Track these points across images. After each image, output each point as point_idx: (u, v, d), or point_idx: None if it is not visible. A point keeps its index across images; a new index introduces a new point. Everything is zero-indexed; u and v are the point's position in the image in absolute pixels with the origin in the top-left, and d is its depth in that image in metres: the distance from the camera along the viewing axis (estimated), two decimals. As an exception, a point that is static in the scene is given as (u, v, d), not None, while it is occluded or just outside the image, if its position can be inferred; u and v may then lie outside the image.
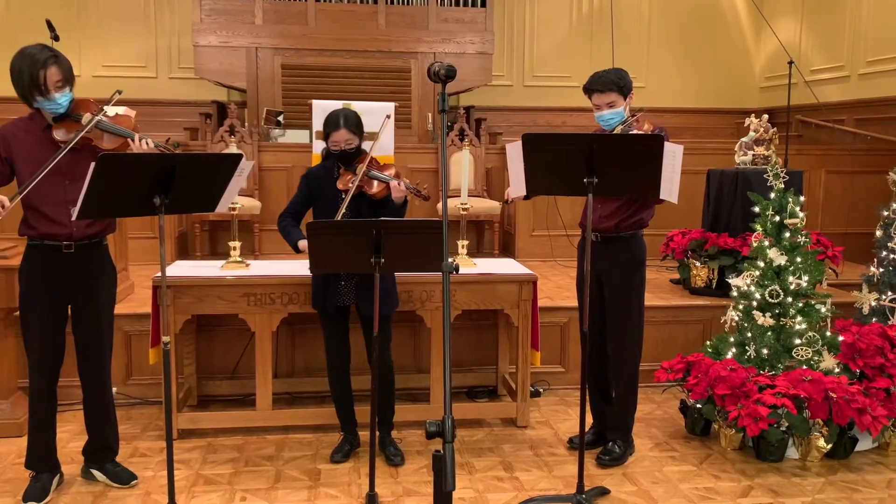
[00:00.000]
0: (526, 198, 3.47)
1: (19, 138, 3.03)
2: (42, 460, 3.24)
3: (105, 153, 2.74)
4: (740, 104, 9.14)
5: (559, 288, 5.23)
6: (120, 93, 3.08)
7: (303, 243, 3.52)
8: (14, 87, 2.98)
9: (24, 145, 3.02)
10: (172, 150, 3.14)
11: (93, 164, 2.63)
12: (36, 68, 2.91)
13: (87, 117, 3.02)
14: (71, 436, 3.80)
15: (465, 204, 4.24)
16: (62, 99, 2.99)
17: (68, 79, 3.01)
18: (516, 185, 3.33)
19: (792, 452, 3.70)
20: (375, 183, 3.45)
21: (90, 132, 3.01)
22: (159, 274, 3.12)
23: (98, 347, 3.23)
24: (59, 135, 3.00)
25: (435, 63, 2.14)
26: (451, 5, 8.12)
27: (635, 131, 3.38)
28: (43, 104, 2.98)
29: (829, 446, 3.63)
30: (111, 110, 3.23)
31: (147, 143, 3.06)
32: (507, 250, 6.68)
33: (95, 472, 3.35)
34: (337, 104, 6.18)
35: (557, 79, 8.94)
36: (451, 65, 2.07)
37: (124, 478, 3.33)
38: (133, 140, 3.06)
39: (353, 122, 3.47)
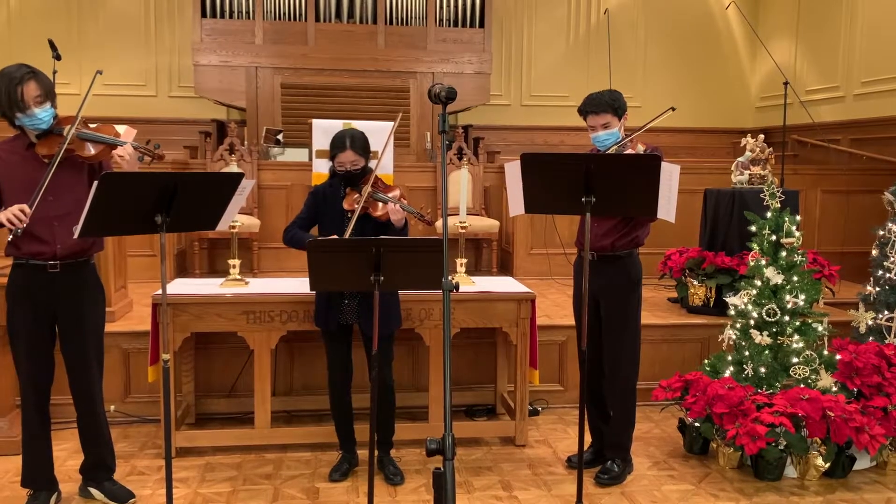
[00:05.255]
0: None
1: (3, 159, 3.04)
2: (38, 478, 3.24)
3: (108, 172, 2.76)
4: (736, 124, 9.21)
5: (557, 306, 5.24)
6: (100, 73, 3.09)
7: None
8: None
9: (10, 166, 3.03)
10: (153, 150, 3.15)
11: (95, 183, 2.65)
12: (13, 85, 2.93)
13: (67, 129, 3.02)
14: (68, 454, 3.79)
15: (464, 222, 4.26)
16: (43, 114, 3.00)
17: (48, 94, 3.02)
18: (515, 204, 3.35)
19: (790, 471, 3.70)
20: (380, 205, 3.46)
21: (72, 143, 3.02)
22: (159, 292, 3.13)
23: (86, 366, 3.21)
24: (42, 151, 3.01)
25: (436, 85, 2.16)
26: (449, 26, 8.21)
27: (629, 151, 3.42)
28: (24, 121, 2.99)
29: (828, 465, 3.63)
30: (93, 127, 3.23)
31: (126, 148, 3.07)
32: (505, 268, 6.70)
33: (93, 491, 3.34)
34: (336, 123, 6.24)
35: (555, 98, 9.01)
36: (451, 87, 2.10)
37: (122, 496, 3.32)
38: (114, 146, 3.07)
39: (360, 144, 3.48)
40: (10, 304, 3.12)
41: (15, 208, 2.88)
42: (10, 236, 2.90)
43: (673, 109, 3.43)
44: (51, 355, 3.18)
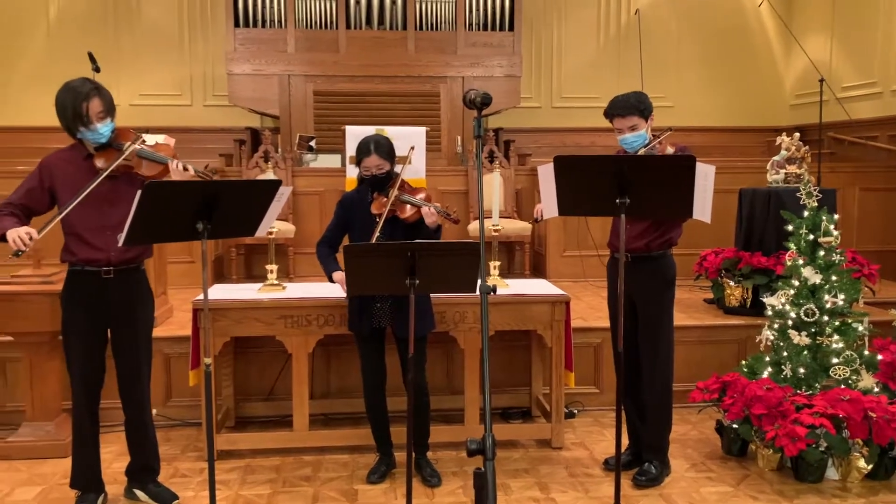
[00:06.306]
0: None
1: (61, 168, 3.14)
2: (87, 480, 3.33)
3: (150, 181, 2.83)
4: (771, 122, 9.09)
5: (591, 308, 5.23)
6: (138, 140, 3.17)
7: (338, 275, 3.58)
8: (59, 119, 3.10)
9: (66, 174, 3.13)
10: (211, 176, 3.23)
11: (139, 192, 2.72)
12: (79, 100, 3.03)
13: (126, 145, 3.12)
14: (114, 456, 3.88)
15: (497, 225, 4.28)
16: (104, 129, 3.10)
17: (110, 110, 3.12)
18: (548, 206, 3.36)
19: (832, 473, 3.65)
20: (408, 207, 3.51)
21: (130, 159, 3.11)
22: (199, 297, 3.20)
23: (136, 371, 3.31)
24: (99, 163, 3.10)
25: (471, 90, 2.19)
26: (478, 30, 8.23)
27: (658, 153, 3.41)
28: (86, 134, 3.09)
29: (870, 467, 3.58)
30: (151, 139, 3.33)
31: (186, 169, 3.16)
32: (538, 271, 6.70)
33: (138, 492, 3.42)
34: (369, 129, 6.31)
35: (585, 99, 8.97)
36: (486, 92, 2.13)
37: (166, 498, 3.39)
38: (171, 165, 3.15)
39: (385, 149, 3.53)
40: (65, 309, 3.22)
41: (23, 230, 2.91)
42: (10, 255, 2.88)
43: (671, 129, 3.49)
44: (103, 359, 3.27)
